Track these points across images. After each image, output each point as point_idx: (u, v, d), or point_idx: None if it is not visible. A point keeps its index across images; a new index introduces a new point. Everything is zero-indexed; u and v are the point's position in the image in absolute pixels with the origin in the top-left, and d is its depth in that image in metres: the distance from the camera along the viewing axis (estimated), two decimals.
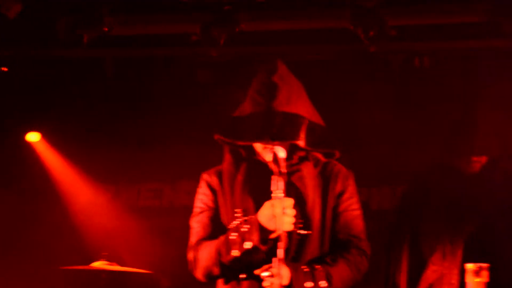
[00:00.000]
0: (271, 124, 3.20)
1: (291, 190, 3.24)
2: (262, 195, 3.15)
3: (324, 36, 5.81)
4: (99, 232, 6.71)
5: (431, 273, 5.47)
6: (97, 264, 5.51)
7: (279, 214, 3.06)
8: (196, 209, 3.42)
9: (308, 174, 3.33)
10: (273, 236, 3.09)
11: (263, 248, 3.13)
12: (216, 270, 3.25)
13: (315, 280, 3.15)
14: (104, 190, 6.97)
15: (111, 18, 5.54)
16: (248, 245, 3.11)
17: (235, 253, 3.14)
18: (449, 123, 6.02)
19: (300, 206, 3.23)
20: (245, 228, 3.13)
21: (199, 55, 5.94)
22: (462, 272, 4.35)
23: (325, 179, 3.36)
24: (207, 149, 3.82)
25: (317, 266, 3.19)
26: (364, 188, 6.36)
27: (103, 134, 6.72)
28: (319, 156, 3.38)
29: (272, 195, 3.08)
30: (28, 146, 6.89)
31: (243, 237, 3.13)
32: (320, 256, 3.26)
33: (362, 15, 5.37)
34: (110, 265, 5.52)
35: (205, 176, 3.44)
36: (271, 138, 3.19)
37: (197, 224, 3.37)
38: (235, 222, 3.20)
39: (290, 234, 3.16)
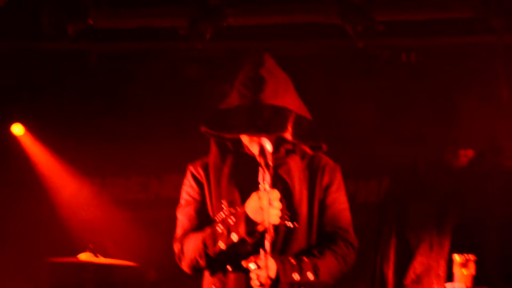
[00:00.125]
0: (258, 117, 3.17)
1: (278, 183, 3.22)
2: (249, 187, 3.14)
3: (312, 31, 5.82)
4: (85, 224, 6.70)
5: (418, 264, 5.50)
6: (83, 256, 5.50)
7: (266, 206, 3.03)
8: (182, 201, 3.40)
9: (295, 167, 3.32)
10: (260, 228, 3.08)
11: (249, 240, 3.12)
12: (202, 262, 3.23)
13: (302, 272, 3.14)
14: (90, 183, 6.96)
15: (96, 11, 5.52)
16: (234, 237, 3.11)
17: (222, 245, 3.14)
18: (435, 117, 6.05)
19: (287, 198, 3.23)
20: (231, 220, 3.13)
21: (185, 49, 5.93)
22: (450, 263, 4.38)
23: (312, 172, 3.35)
24: (194, 143, 3.81)
25: (304, 258, 3.18)
26: (351, 181, 6.38)
27: (90, 127, 6.70)
28: (306, 149, 3.36)
29: (259, 187, 3.06)
30: (13, 138, 6.86)
31: (230, 229, 3.12)
32: (307, 249, 3.25)
33: (350, 10, 5.38)
34: (96, 257, 5.51)
35: (191, 168, 3.42)
36: (258, 130, 3.17)
37: (183, 216, 3.36)
38: (222, 214, 3.20)
39: (277, 226, 3.14)
